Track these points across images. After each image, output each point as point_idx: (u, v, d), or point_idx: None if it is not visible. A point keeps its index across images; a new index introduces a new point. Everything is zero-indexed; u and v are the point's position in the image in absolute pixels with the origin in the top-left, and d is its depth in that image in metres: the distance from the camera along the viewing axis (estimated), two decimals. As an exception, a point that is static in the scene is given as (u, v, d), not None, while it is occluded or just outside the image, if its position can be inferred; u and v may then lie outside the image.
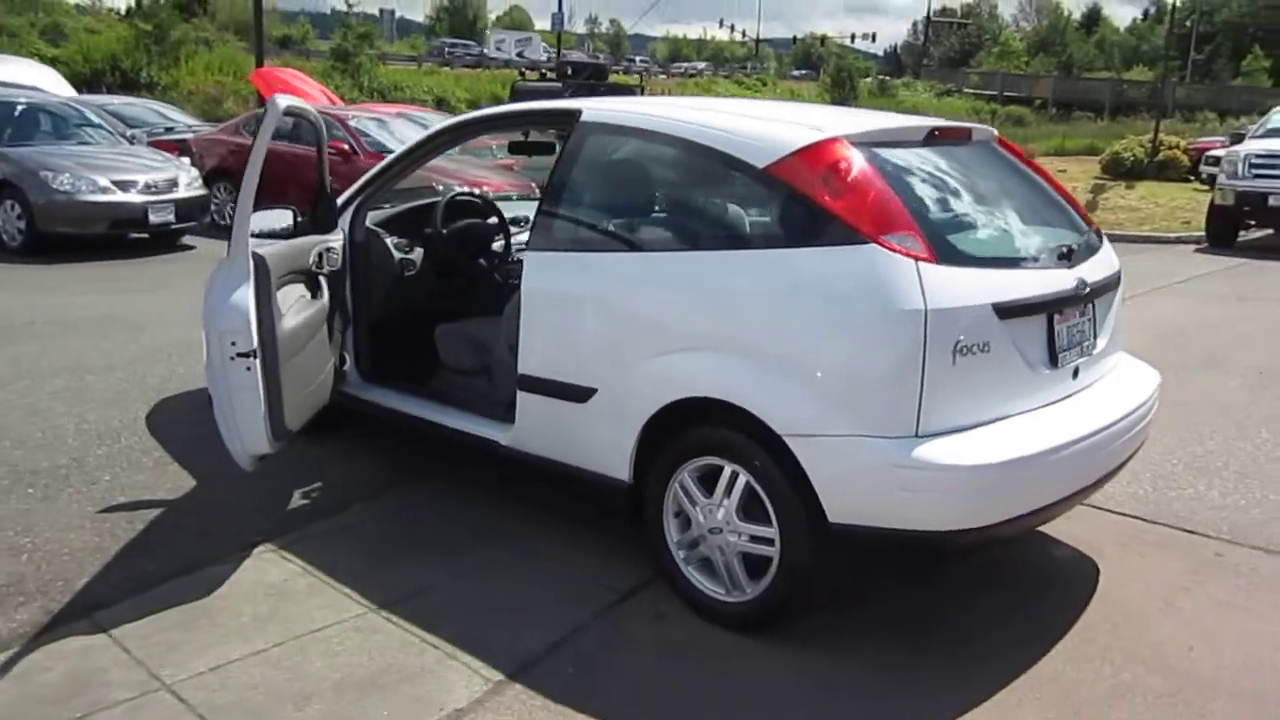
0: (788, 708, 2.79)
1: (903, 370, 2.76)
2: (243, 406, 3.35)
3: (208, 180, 11.62)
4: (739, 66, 68.88)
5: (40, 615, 3.20)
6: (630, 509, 3.35)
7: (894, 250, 2.80)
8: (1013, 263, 3.12)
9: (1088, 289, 3.22)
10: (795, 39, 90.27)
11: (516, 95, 17.63)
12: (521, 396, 3.60)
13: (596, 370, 3.35)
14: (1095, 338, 3.33)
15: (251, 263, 3.32)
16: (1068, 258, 3.23)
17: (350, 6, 34.88)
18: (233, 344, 3.26)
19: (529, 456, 3.66)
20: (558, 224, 3.54)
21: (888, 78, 55.84)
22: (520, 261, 4.63)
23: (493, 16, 77.19)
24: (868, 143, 3.08)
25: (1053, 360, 3.12)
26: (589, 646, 3.08)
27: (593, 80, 17.89)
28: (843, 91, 44.40)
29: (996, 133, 3.72)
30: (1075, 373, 3.22)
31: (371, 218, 4.45)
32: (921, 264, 2.79)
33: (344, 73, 30.42)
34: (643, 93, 20.35)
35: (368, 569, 3.52)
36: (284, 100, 3.54)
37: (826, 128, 3.08)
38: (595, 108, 3.61)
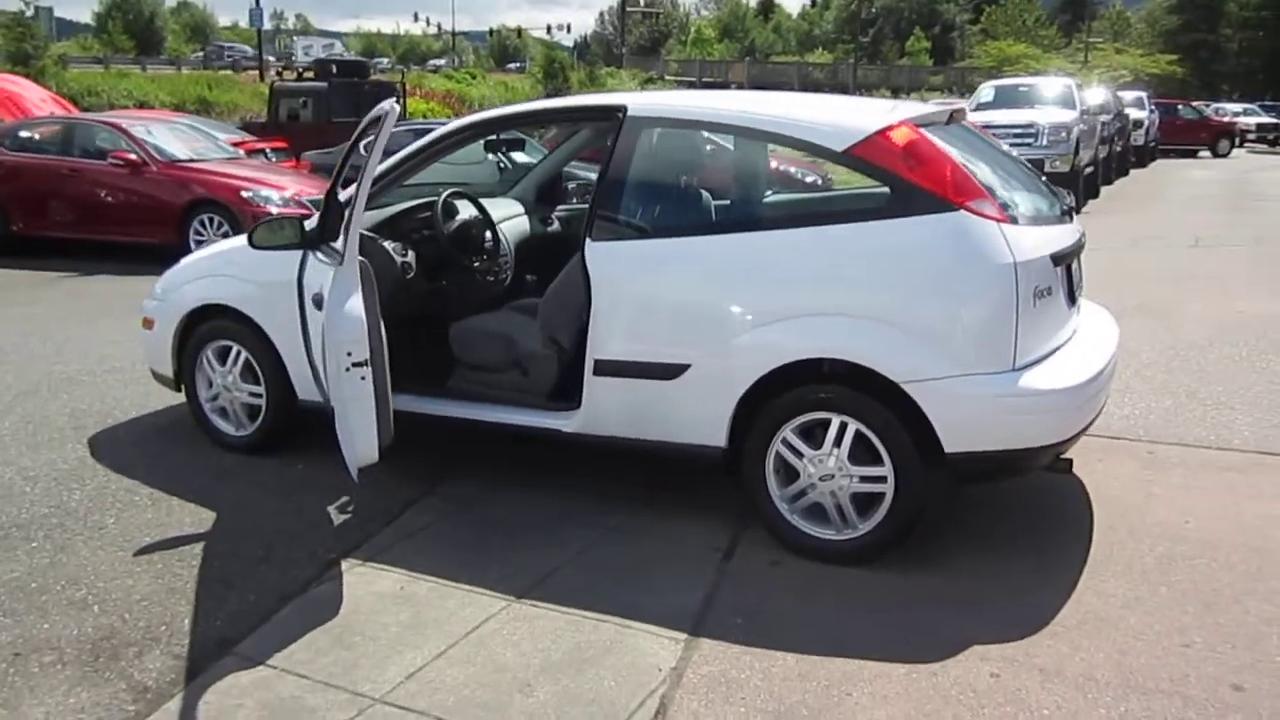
0: (924, 615, 3.21)
1: (1002, 315, 3.25)
2: (357, 416, 3.32)
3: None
4: (446, 62, 68.02)
5: (172, 660, 3.06)
6: (728, 468, 3.64)
7: (980, 214, 3.27)
8: (1045, 220, 3.69)
9: (1084, 241, 3.86)
10: (491, 31, 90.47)
11: (276, 95, 16.82)
12: (595, 381, 3.78)
13: (689, 347, 3.60)
14: (1082, 282, 3.98)
15: (359, 270, 3.29)
16: (1069, 215, 3.86)
17: (27, 5, 31.22)
18: (349, 354, 3.23)
19: (598, 439, 3.85)
20: (625, 214, 3.74)
21: (592, 69, 57.39)
22: (505, 257, 4.78)
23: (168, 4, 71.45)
24: (922, 124, 3.54)
25: (1071, 299, 3.73)
26: (736, 597, 3.35)
27: (355, 78, 17.40)
28: (555, 82, 45.26)
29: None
30: (1079, 310, 3.86)
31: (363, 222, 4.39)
32: (1002, 225, 3.28)
33: (27, 77, 27.35)
34: (405, 89, 19.94)
35: (475, 564, 3.58)
36: (390, 103, 3.49)
37: (894, 112, 3.50)
38: (640, 103, 3.84)
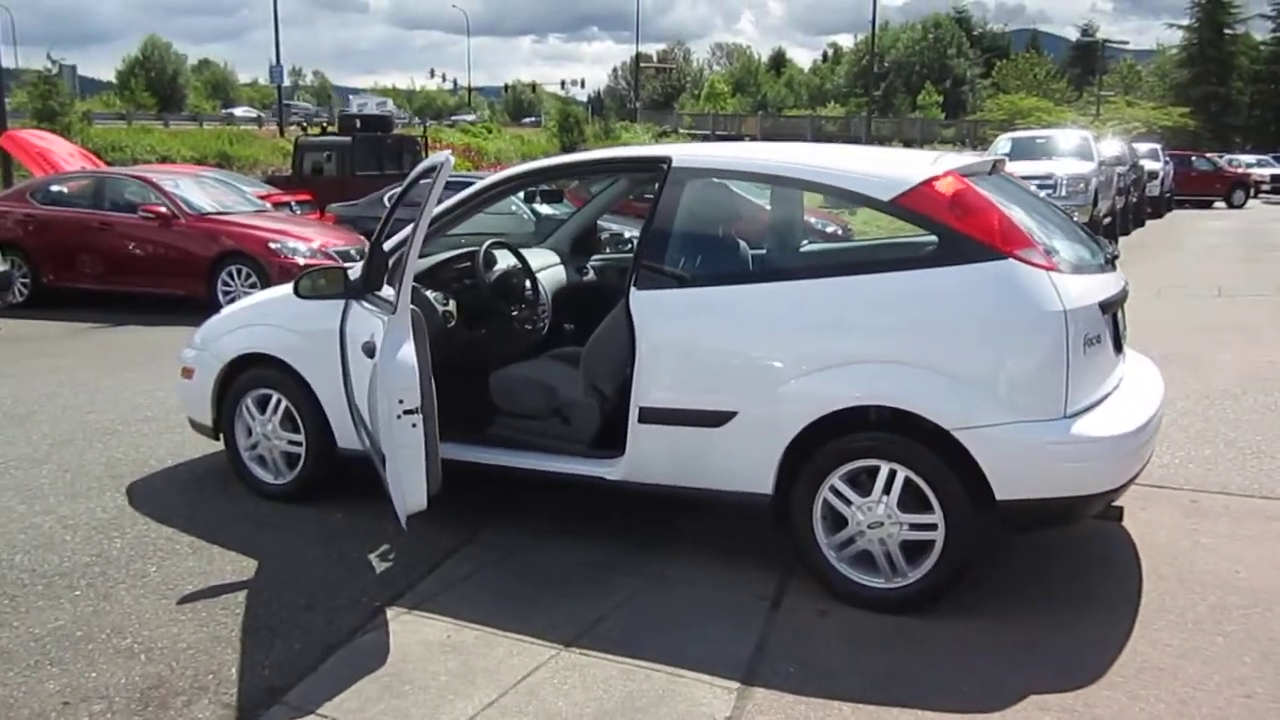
0: (978, 663, 3.16)
1: (1053, 362, 3.25)
2: (407, 464, 3.33)
3: (-5, 255, 10.52)
4: (460, 118, 69.01)
5: (221, 710, 3.04)
6: (775, 516, 3.63)
7: (1029, 263, 3.29)
8: (1089, 268, 3.70)
9: (1128, 290, 3.87)
10: (506, 87, 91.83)
11: (300, 149, 17.10)
12: (640, 429, 3.79)
13: (735, 395, 3.61)
14: (1126, 330, 3.98)
15: (411, 319, 3.33)
16: (1112, 264, 3.87)
17: (52, 64, 31.74)
18: (400, 402, 3.25)
19: (644, 487, 3.84)
20: (669, 263, 3.78)
21: (607, 122, 58.15)
22: (544, 306, 4.82)
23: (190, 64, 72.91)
24: (967, 174, 3.57)
25: (1118, 347, 3.73)
26: (786, 646, 3.32)
27: (379, 132, 17.67)
28: (571, 136, 45.78)
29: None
30: (1125, 358, 3.85)
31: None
32: (1051, 273, 3.30)
33: (54, 133, 27.84)
34: (426, 144, 20.24)
35: (521, 613, 3.56)
36: (447, 154, 3.55)
37: (938, 163, 3.54)
38: (684, 154, 3.89)
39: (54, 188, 11.67)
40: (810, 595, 3.62)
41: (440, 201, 3.76)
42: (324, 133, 19.09)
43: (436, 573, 3.96)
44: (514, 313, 4.84)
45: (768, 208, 3.90)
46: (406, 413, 3.28)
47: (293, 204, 13.76)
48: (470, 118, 64.92)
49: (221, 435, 4.88)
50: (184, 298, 10.33)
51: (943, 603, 3.46)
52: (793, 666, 3.19)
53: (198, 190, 11.35)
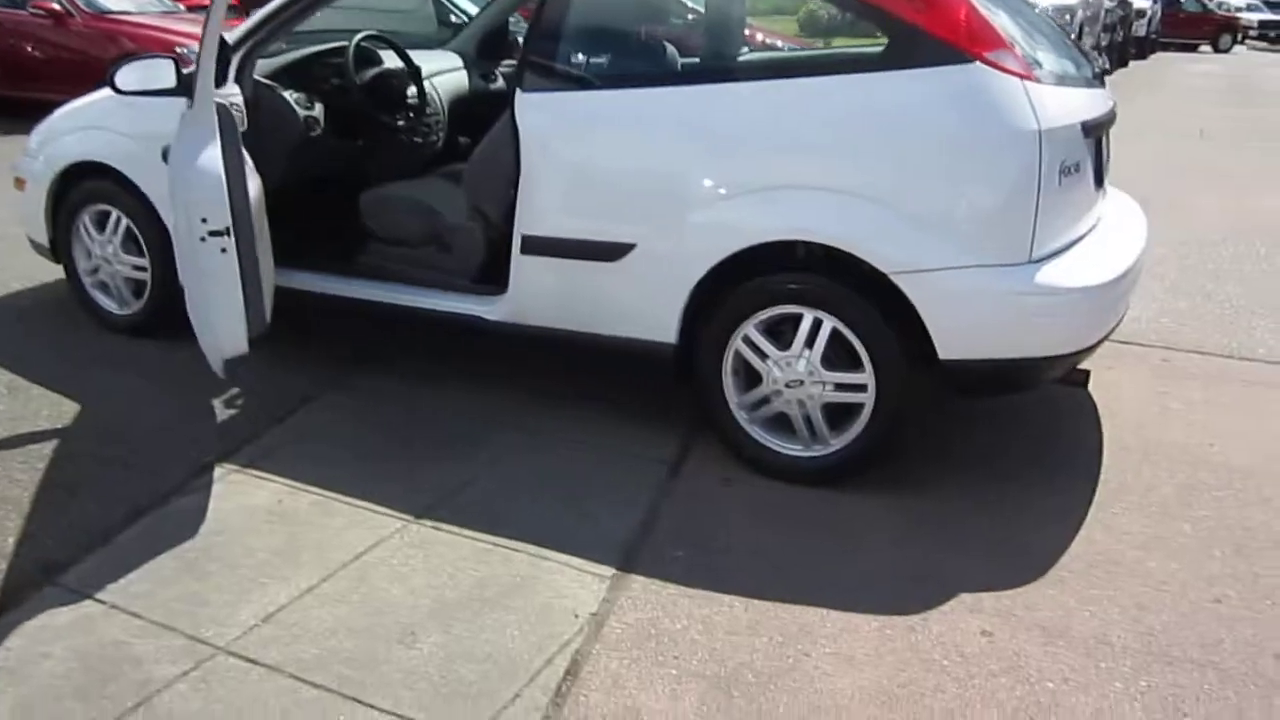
0: (903, 552, 2.67)
1: (1021, 194, 2.63)
2: (217, 298, 2.69)
3: None
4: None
5: (-25, 588, 2.48)
6: (679, 369, 3.06)
7: (1000, 68, 2.62)
8: (1074, 81, 3.03)
9: (1116, 112, 3.21)
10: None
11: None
12: (524, 262, 3.16)
13: (634, 224, 2.97)
14: (1109, 161, 3.34)
15: (216, 115, 2.61)
16: (1100, 80, 3.19)
17: None
18: (203, 220, 2.58)
19: (528, 329, 3.24)
20: (563, 60, 3.06)
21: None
22: (437, 116, 4.09)
23: None
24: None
25: (1099, 181, 3.10)
26: (679, 523, 2.80)
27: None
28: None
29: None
30: (1105, 196, 3.23)
31: (260, 68, 3.67)
32: (1026, 82, 2.63)
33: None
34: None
35: (374, 474, 3.01)
36: None
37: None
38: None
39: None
40: (716, 462, 3.09)
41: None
42: (253, -70, 17.39)
43: (286, 423, 3.37)
44: (399, 122, 4.11)
45: (700, 9, 3.15)
46: (212, 234, 2.62)
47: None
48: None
49: (60, 258, 4.19)
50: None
51: (868, 476, 2.94)
52: (682, 549, 2.67)
53: (93, -15, 10.14)
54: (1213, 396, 3.72)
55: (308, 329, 3.95)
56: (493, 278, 3.33)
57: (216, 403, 3.50)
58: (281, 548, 2.66)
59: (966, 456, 3.19)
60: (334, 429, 3.32)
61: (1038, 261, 2.68)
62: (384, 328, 4.00)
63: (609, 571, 2.56)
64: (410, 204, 3.68)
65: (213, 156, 2.59)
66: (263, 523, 2.78)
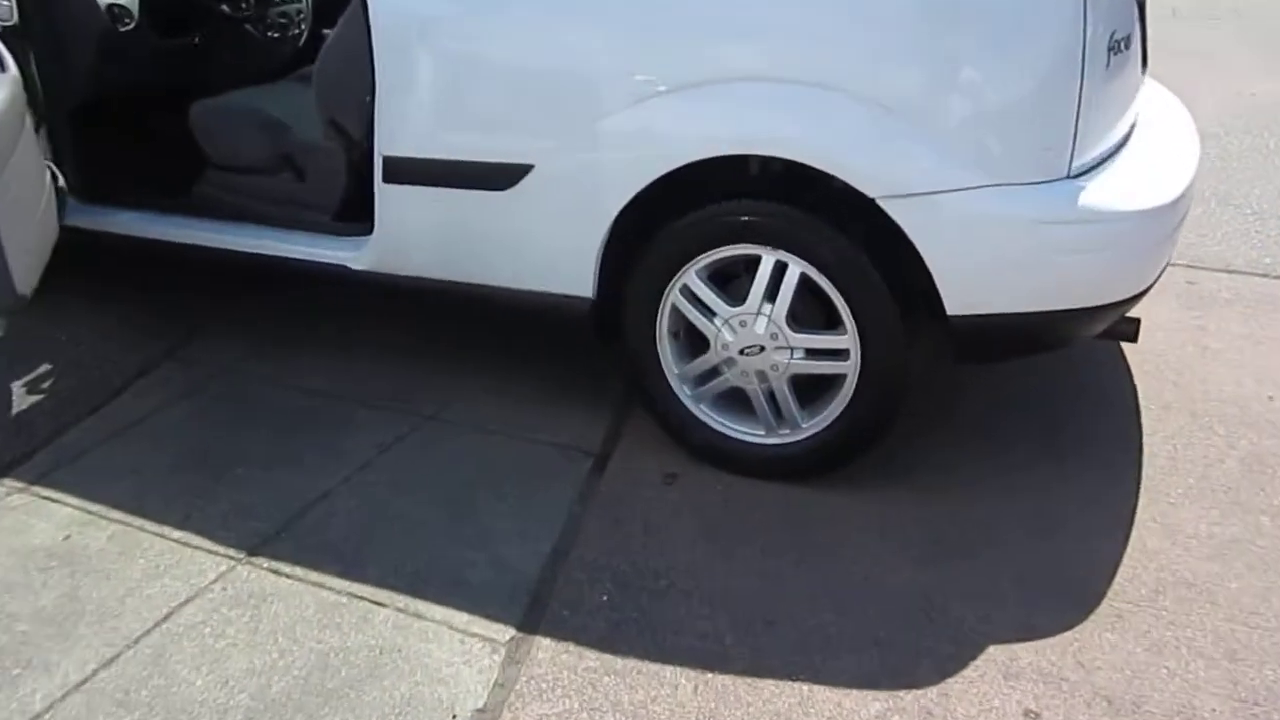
0: (902, 580, 2.00)
1: (1058, 82, 1.88)
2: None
3: None
4: None
5: None
6: (599, 332, 2.32)
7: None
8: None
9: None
10: None
11: None
12: (389, 193, 2.38)
13: (528, 137, 2.19)
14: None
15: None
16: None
17: None
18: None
19: (403, 281, 2.47)
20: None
21: None
22: (298, 4, 3.25)
23: None
24: None
25: (1144, 63, 2.35)
26: (603, 544, 2.09)
27: None
28: None
29: None
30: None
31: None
32: (1065, -81, 1.86)
33: None
34: None
35: (198, 489, 2.26)
36: None
37: None
38: None
39: None
40: (653, 452, 2.37)
41: None
42: None
43: (102, 412, 2.60)
44: (243, 9, 3.24)
45: None
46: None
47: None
48: None
49: None
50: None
51: (849, 469, 2.24)
52: (608, 588, 1.97)
53: None
54: (1256, 329, 3.05)
55: (145, 284, 3.15)
56: (359, 214, 2.54)
57: (16, 388, 2.71)
58: (54, 613, 1.92)
59: (971, 434, 2.49)
60: (159, 420, 2.56)
61: (1078, 177, 1.94)
62: (243, 280, 3.20)
63: (506, 633, 1.86)
64: (253, 118, 2.85)
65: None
66: (37, 571, 2.03)
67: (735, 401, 2.28)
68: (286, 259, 2.62)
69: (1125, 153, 2.14)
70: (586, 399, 2.58)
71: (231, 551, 2.06)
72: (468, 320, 2.82)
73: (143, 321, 3.02)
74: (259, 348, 2.89)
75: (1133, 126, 2.26)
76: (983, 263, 1.96)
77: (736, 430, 2.28)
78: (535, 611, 1.90)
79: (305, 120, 2.77)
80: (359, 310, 3.00)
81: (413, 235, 2.40)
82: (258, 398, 2.65)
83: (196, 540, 2.10)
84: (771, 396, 2.21)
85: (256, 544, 2.08)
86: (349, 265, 2.52)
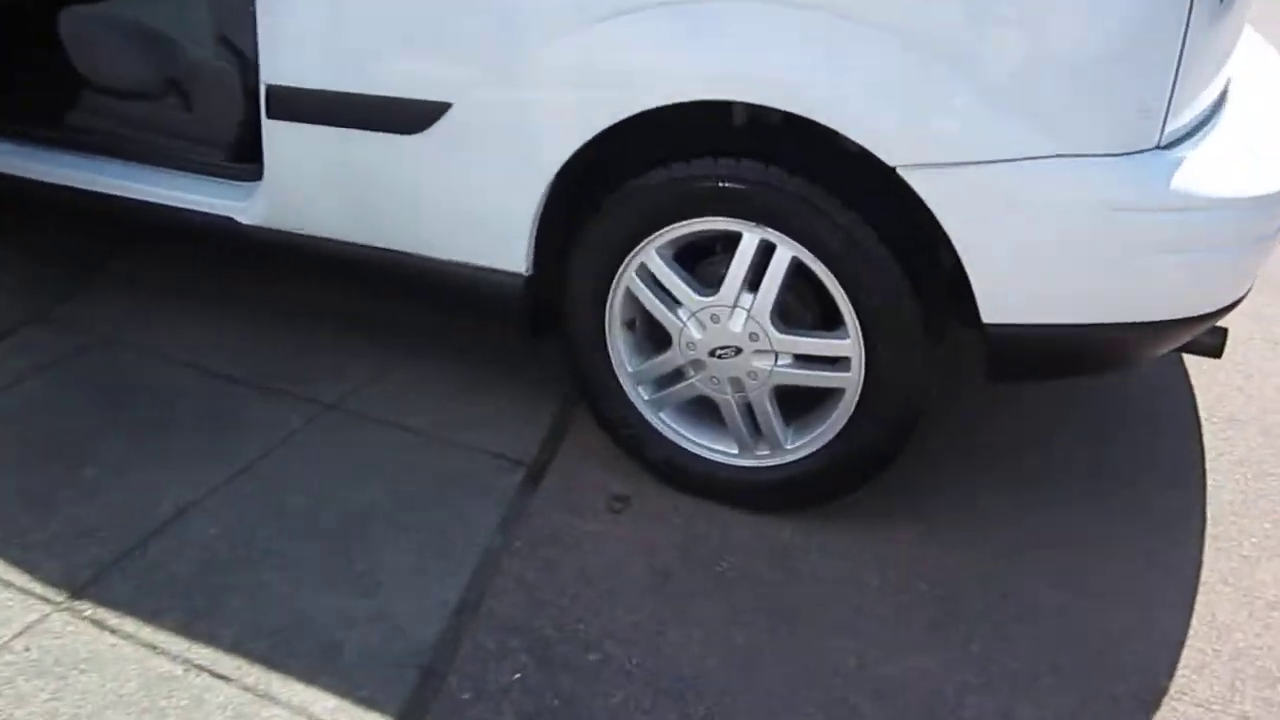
0: (910, 656, 1.56)
1: (1157, 27, 1.37)
2: None
3: None
4: None
5: None
6: (534, 317, 1.84)
7: None
8: None
9: None
10: None
11: None
12: (275, 129, 1.89)
13: (446, 65, 1.69)
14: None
15: None
16: None
17: None
18: None
19: (295, 240, 1.99)
20: None
21: None
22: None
23: None
24: None
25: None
26: (524, 595, 1.64)
27: None
28: None
29: None
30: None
31: None
32: None
33: None
34: None
35: (34, 495, 1.82)
36: None
37: None
38: None
39: None
40: (599, 465, 1.92)
41: None
42: None
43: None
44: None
45: None
46: None
47: None
48: None
49: None
50: None
51: (858, 498, 1.78)
52: (523, 662, 1.52)
53: None
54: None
55: (24, 225, 2.67)
56: (254, 154, 2.04)
57: None
58: None
59: (994, 460, 2.03)
60: (7, 401, 2.09)
61: (1170, 147, 1.45)
62: (123, 231, 2.70)
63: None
64: (131, 30, 2.33)
65: None
66: None
67: (705, 410, 1.82)
68: (161, 207, 2.13)
69: (1223, 117, 1.64)
70: (530, 393, 2.11)
71: (50, 592, 1.61)
72: (372, 296, 2.34)
73: (15, 271, 2.54)
74: (145, 310, 2.41)
75: (1228, 82, 1.75)
76: (1035, 259, 1.47)
77: (703, 446, 1.82)
78: (425, 691, 1.46)
79: (196, 35, 2.27)
80: (274, 267, 2.51)
81: (306, 185, 1.92)
82: (133, 374, 2.18)
83: (9, 573, 1.64)
84: (749, 409, 1.74)
85: (85, 580, 1.63)
86: (236, 218, 2.04)
